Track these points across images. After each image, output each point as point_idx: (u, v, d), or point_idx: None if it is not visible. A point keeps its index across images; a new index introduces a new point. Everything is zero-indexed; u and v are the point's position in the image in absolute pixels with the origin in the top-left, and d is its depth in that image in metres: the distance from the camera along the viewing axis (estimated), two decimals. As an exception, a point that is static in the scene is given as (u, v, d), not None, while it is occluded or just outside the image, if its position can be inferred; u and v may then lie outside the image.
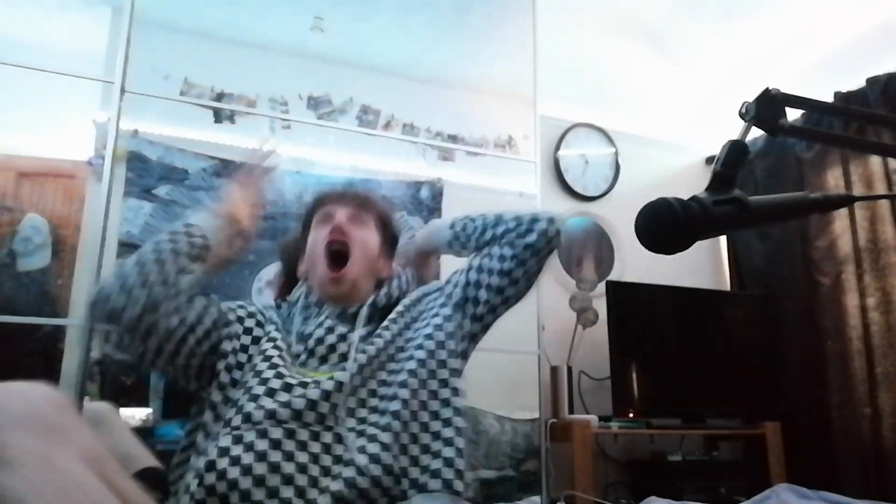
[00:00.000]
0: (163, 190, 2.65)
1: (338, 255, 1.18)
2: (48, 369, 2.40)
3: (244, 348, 1.12)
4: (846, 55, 2.89)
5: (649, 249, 0.64)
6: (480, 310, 1.20)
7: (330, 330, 1.14)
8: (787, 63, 3.11)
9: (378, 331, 1.15)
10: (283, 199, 2.81)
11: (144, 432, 2.34)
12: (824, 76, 2.92)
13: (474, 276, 1.20)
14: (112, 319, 1.03)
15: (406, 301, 1.23)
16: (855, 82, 2.77)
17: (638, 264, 3.07)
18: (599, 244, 3.20)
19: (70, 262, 2.56)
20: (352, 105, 3.03)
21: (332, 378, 1.05)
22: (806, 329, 2.87)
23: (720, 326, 2.96)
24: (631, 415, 2.60)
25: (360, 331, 1.14)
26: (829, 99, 2.79)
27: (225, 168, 2.76)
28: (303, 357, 1.12)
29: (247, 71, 2.86)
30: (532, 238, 1.19)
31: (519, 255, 1.18)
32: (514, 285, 1.19)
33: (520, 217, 1.23)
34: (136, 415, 2.37)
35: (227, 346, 1.11)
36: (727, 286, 3.33)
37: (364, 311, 1.18)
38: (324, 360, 1.12)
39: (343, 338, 1.13)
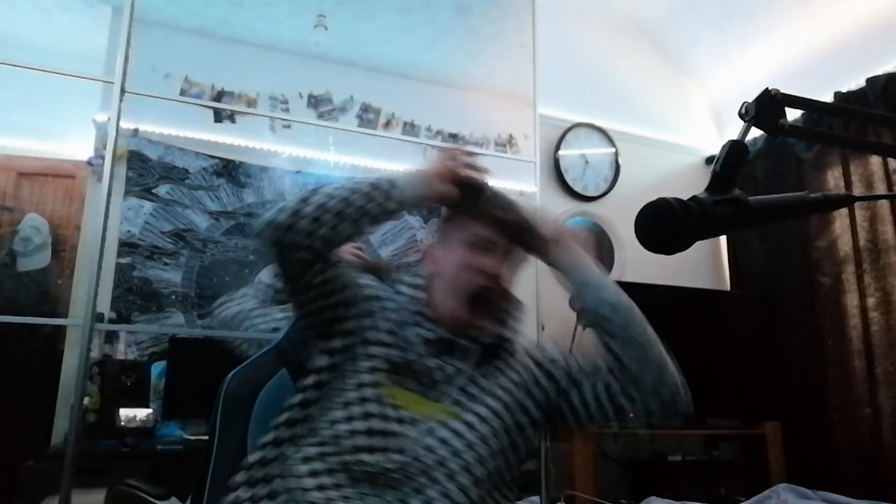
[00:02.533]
0: (163, 189, 2.65)
1: (480, 300, 1.09)
2: (48, 369, 2.40)
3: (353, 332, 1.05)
4: (846, 55, 2.89)
5: (649, 249, 0.63)
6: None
7: (440, 359, 1.05)
8: (787, 63, 3.11)
9: (494, 392, 1.08)
10: (284, 198, 2.82)
11: (144, 432, 2.34)
12: (824, 76, 2.92)
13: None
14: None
15: (537, 366, 1.18)
16: (855, 82, 2.77)
17: (638, 264, 3.07)
18: (599, 244, 3.20)
19: (70, 262, 2.56)
20: (352, 103, 3.03)
21: (444, 424, 0.99)
22: (806, 329, 2.87)
23: (720, 326, 2.95)
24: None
25: (479, 378, 1.07)
26: (829, 99, 2.79)
27: (225, 167, 2.76)
28: (400, 373, 1.02)
29: (247, 69, 2.87)
30: None
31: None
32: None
33: None
34: (137, 415, 2.37)
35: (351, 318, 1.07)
36: (727, 286, 3.33)
37: (476, 350, 1.09)
38: (424, 387, 1.03)
39: (451, 376, 1.05)
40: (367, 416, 0.96)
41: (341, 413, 0.97)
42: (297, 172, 2.86)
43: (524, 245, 1.15)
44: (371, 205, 1.02)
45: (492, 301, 1.11)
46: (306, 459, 0.94)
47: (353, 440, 0.94)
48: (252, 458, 0.99)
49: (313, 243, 0.98)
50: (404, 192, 1.05)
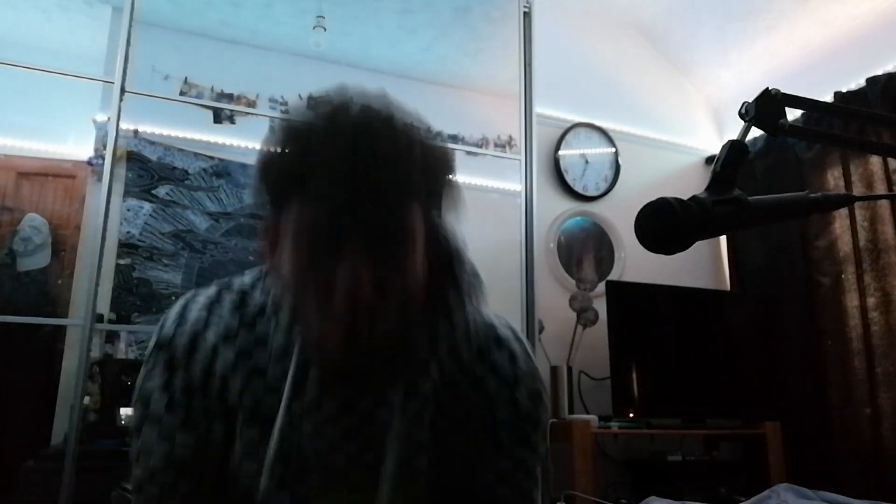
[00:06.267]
0: (163, 190, 2.65)
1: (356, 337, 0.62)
2: (48, 369, 2.40)
3: None
4: (846, 55, 2.89)
5: (649, 249, 0.63)
6: None
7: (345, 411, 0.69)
8: (787, 63, 3.11)
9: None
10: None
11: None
12: (824, 76, 2.92)
13: None
14: None
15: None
16: (855, 82, 2.77)
17: (638, 264, 3.07)
18: (599, 244, 3.20)
19: (70, 262, 2.56)
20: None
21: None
22: (806, 329, 2.87)
23: (720, 326, 2.95)
24: (631, 415, 2.60)
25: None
26: (829, 99, 2.79)
27: (225, 168, 2.76)
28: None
29: (247, 71, 2.86)
30: None
31: None
32: None
33: None
34: (136, 415, 2.37)
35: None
36: (727, 286, 3.33)
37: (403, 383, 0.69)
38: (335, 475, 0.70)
39: (371, 444, 0.69)
40: None
41: None
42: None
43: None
44: None
45: (378, 329, 0.62)
46: None
47: None
48: None
49: None
50: None
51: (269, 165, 0.66)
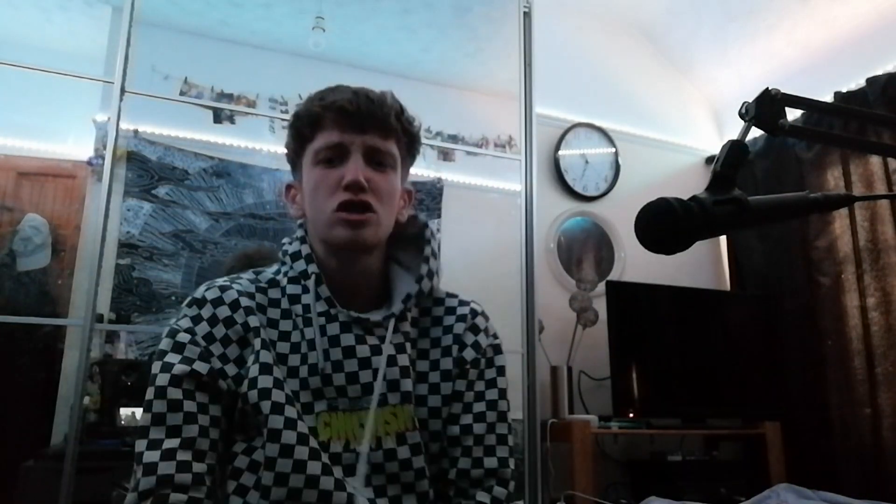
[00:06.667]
0: (163, 190, 2.65)
1: (355, 224, 0.84)
2: (48, 369, 2.40)
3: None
4: (846, 55, 2.89)
5: (649, 249, 0.63)
6: None
7: (351, 348, 0.85)
8: (787, 63, 3.11)
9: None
10: (283, 199, 2.81)
11: (144, 432, 2.34)
12: (824, 76, 2.92)
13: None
14: None
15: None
16: (855, 82, 2.77)
17: (638, 264, 3.07)
18: (599, 244, 3.20)
19: (70, 262, 2.56)
20: (352, 105, 3.03)
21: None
22: (806, 329, 2.87)
23: (720, 326, 2.95)
24: (631, 415, 2.60)
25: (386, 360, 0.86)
26: (829, 99, 2.79)
27: (225, 168, 2.76)
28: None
29: (247, 71, 2.87)
30: None
31: None
32: None
33: None
34: (137, 414, 2.37)
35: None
36: (727, 286, 3.33)
37: (394, 317, 0.89)
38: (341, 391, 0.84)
39: (367, 362, 0.85)
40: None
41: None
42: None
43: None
44: None
45: (369, 225, 0.85)
46: None
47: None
48: None
49: None
50: None
51: (298, 115, 0.90)
